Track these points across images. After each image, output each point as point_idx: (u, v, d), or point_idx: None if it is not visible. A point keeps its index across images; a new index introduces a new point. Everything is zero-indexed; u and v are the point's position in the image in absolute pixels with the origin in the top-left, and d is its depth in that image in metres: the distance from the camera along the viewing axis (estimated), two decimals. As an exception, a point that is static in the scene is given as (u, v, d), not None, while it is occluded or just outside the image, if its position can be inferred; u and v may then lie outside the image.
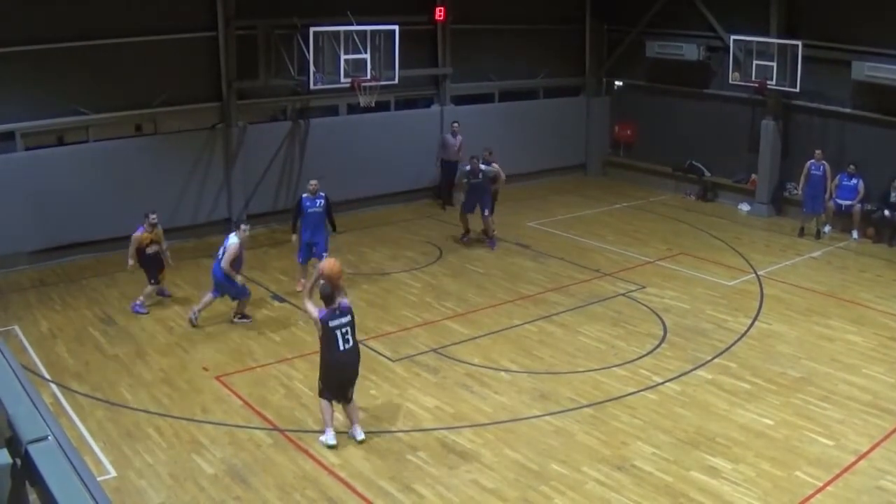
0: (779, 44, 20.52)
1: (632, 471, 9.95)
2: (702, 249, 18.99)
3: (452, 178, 21.82)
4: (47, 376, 12.28)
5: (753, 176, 22.48)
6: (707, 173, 23.81)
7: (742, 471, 9.98)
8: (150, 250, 14.69)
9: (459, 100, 23.26)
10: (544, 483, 9.65)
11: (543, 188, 23.96)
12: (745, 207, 22.65)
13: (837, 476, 9.93)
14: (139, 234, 14.63)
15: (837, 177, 20.07)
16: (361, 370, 11.68)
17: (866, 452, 10.51)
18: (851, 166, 19.89)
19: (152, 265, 14.83)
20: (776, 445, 10.62)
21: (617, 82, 26.13)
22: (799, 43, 20.07)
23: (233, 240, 13.91)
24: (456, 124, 21.89)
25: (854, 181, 19.89)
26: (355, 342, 10.25)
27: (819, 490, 9.63)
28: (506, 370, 12.70)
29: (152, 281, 14.84)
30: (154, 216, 14.77)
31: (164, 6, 18.21)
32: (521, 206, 21.70)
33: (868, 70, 19.23)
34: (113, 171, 17.82)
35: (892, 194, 19.49)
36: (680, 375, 12.62)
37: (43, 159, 17.13)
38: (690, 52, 23.05)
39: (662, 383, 12.34)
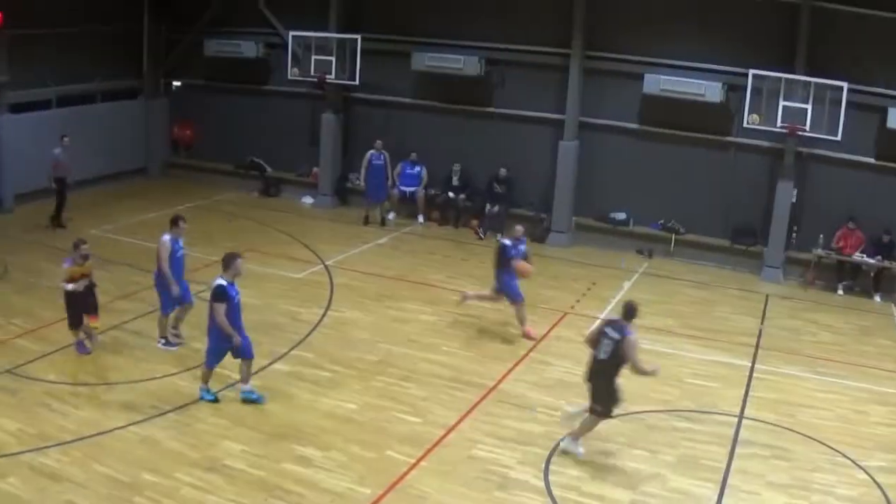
0: (338, 38, 20.74)
1: (224, 470, 9.55)
2: (269, 244, 18.52)
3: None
4: None
5: (315, 169, 22.57)
6: (269, 169, 23.49)
7: (333, 457, 9.92)
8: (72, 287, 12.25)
9: (19, 108, 20.80)
10: (138, 494, 9.06)
11: (104, 194, 22.07)
12: (308, 200, 22.65)
13: (429, 451, 10.08)
14: (67, 268, 12.27)
15: (400, 165, 20.79)
16: None
17: (455, 425, 10.75)
18: (413, 154, 20.74)
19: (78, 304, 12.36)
20: (364, 429, 10.67)
21: (175, 83, 24.97)
22: (358, 37, 20.43)
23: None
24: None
25: (417, 169, 20.78)
26: (609, 359, 9.92)
27: (413, 466, 9.72)
28: (84, 384, 11.61)
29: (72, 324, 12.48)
30: (86, 246, 12.36)
31: None
32: (82, 215, 19.69)
33: (427, 61, 20.18)
34: None
35: (454, 178, 20.62)
36: (258, 371, 11.99)
37: None
38: (249, 49, 22.73)
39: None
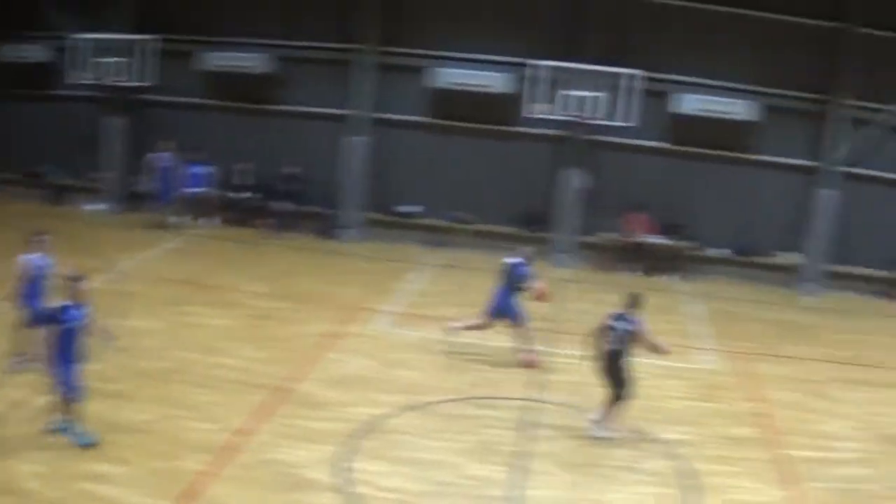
0: (127, 39, 20.15)
1: (19, 493, 8.77)
2: (59, 253, 17.57)
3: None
4: None
5: (102, 174, 21.71)
6: (54, 176, 22.44)
7: (127, 471, 9.33)
8: None
9: None
10: None
11: None
12: (94, 207, 21.77)
13: (227, 457, 9.83)
14: None
15: (188, 166, 20.35)
16: None
17: (249, 428, 10.56)
18: (201, 155, 20.37)
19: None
20: (158, 439, 10.20)
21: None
22: (148, 38, 19.93)
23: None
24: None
25: (205, 169, 20.45)
26: (616, 349, 10.57)
27: (210, 474, 9.40)
28: None
29: None
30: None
31: None
32: None
33: (215, 60, 20.00)
34: None
35: (243, 177, 20.59)
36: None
37: None
38: (38, 53, 21.64)
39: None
